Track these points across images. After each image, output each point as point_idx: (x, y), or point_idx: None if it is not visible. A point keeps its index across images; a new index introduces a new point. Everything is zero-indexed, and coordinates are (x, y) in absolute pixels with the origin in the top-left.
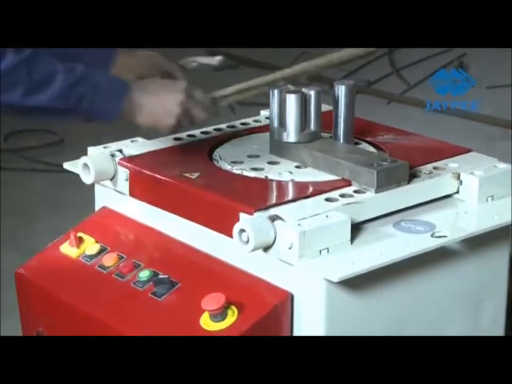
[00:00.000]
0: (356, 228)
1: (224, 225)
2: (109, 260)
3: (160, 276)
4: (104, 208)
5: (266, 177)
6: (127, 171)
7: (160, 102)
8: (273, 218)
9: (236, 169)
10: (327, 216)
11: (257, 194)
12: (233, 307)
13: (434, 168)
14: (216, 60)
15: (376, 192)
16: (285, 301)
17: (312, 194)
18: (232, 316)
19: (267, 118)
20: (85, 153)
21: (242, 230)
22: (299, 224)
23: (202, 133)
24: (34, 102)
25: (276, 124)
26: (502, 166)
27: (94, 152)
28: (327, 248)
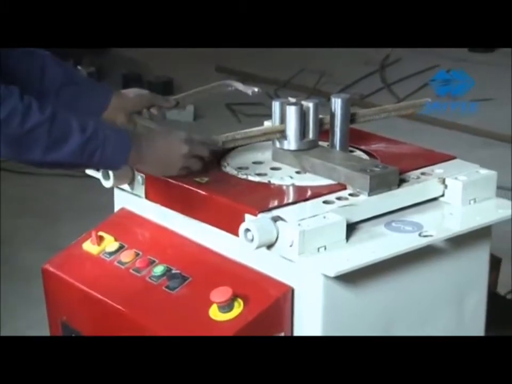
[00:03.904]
0: (351, 228)
1: (231, 225)
2: (127, 256)
3: (173, 271)
4: (122, 209)
5: (269, 181)
6: (143, 176)
7: (165, 155)
8: (276, 219)
9: (242, 175)
10: (324, 217)
11: (261, 197)
12: (239, 299)
13: (422, 173)
14: (251, 90)
15: (369, 195)
16: (286, 294)
17: (311, 197)
18: (238, 308)
19: None
20: None
21: (247, 230)
22: (299, 224)
23: None
24: (53, 158)
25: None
26: (484, 171)
27: None
28: (325, 246)
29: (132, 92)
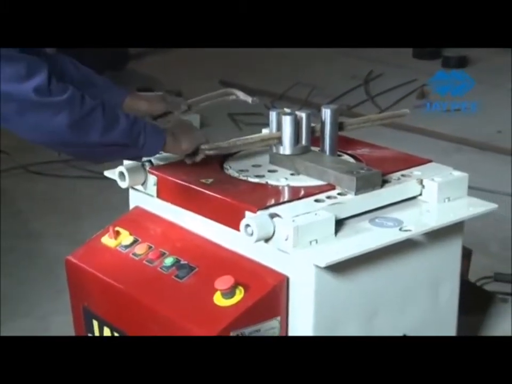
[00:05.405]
0: (339, 223)
1: (233, 221)
2: (141, 249)
3: (182, 262)
4: (136, 207)
5: (267, 182)
6: (155, 178)
7: (189, 139)
8: (273, 216)
9: (242, 176)
10: (315, 214)
11: (259, 197)
12: (240, 287)
13: (402, 175)
14: (251, 99)
15: (356, 194)
16: (282, 282)
17: (304, 196)
18: (239, 294)
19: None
20: (122, 163)
21: (247, 225)
22: (293, 221)
23: None
24: (110, 138)
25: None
26: (457, 173)
27: (129, 162)
28: (316, 240)
29: (149, 95)
